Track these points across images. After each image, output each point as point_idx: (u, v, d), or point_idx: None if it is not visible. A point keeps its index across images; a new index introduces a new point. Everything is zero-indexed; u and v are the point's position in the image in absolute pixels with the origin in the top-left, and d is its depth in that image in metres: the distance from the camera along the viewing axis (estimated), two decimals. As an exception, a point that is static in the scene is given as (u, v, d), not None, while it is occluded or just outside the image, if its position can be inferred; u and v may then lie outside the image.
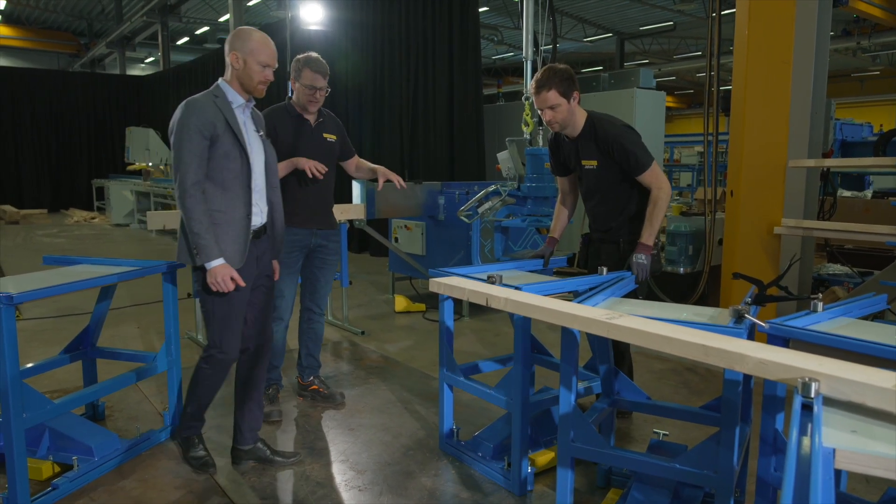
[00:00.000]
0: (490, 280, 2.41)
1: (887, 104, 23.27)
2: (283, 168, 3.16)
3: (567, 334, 2.12)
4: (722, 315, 2.11)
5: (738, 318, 1.94)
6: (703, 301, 4.72)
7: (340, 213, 5.16)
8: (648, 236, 2.94)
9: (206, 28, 22.43)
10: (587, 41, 22.88)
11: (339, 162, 3.52)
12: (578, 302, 2.15)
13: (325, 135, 3.36)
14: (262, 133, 2.70)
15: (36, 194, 17.17)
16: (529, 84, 3.07)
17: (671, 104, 33.47)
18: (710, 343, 1.46)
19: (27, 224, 14.16)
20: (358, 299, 6.31)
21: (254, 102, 2.64)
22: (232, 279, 2.46)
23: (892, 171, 7.99)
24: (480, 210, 3.77)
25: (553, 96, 2.91)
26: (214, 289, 2.47)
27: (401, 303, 5.87)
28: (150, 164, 14.10)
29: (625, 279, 2.66)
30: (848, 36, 17.76)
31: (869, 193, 7.79)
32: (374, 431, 3.19)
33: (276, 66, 2.56)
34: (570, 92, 2.93)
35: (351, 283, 5.27)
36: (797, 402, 1.29)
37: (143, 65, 27.47)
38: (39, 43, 23.34)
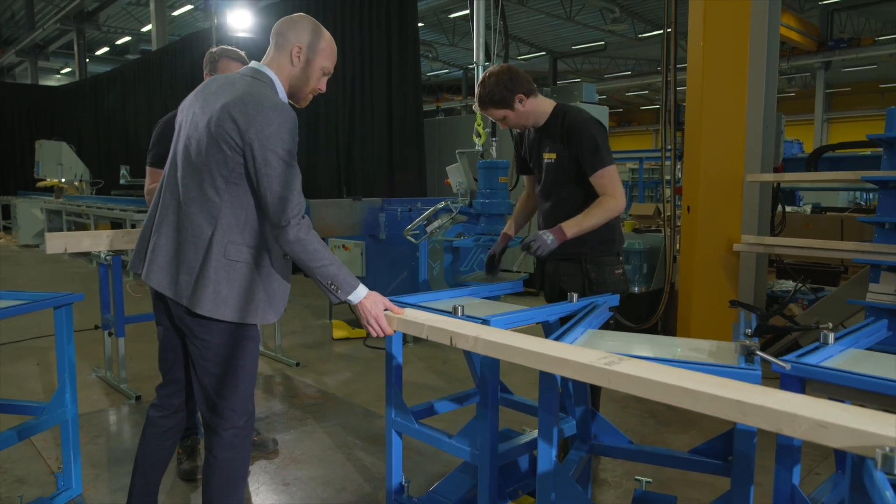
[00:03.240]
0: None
1: (802, 124, 24.49)
2: None
3: (546, 377, 1.79)
4: (722, 350, 1.82)
5: (748, 354, 1.65)
6: (663, 323, 4.52)
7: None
8: (571, 226, 2.54)
9: (127, 38, 21.36)
10: (521, 59, 23.08)
11: None
12: (555, 338, 1.82)
13: None
14: None
15: (-67, 212, 15.73)
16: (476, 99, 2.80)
17: (602, 122, 34.23)
18: (748, 399, 1.15)
19: (-79, 246, 12.88)
20: (292, 325, 5.82)
21: None
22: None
23: (831, 188, 8.15)
24: (429, 229, 3.42)
25: (494, 113, 2.67)
26: (373, 332, 1.92)
27: (339, 329, 5.44)
28: (63, 179, 13.07)
29: (598, 307, 2.36)
30: (768, 58, 18.52)
31: (808, 208, 7.92)
32: (314, 486, 2.76)
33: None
34: (511, 99, 2.61)
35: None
36: (879, 479, 1.00)
37: (59, 75, 25.94)
38: (-58, 50, 21.70)
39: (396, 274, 5.39)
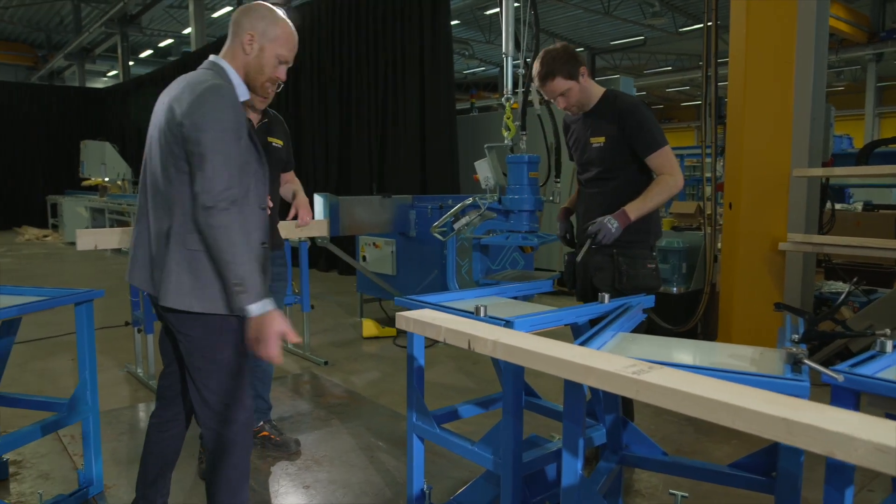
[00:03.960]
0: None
1: (852, 119, 23.57)
2: None
3: (571, 384, 1.67)
4: (766, 357, 1.67)
5: (795, 363, 1.51)
6: (703, 326, 4.33)
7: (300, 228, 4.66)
8: (633, 209, 2.53)
9: (170, 41, 21.78)
10: (558, 56, 22.70)
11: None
12: (582, 342, 1.70)
13: (270, 139, 2.87)
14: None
15: (-13, 210, 16.33)
16: (535, 76, 2.67)
17: (641, 119, 33.60)
18: (797, 416, 1.02)
19: (-27, 243, 13.33)
20: (323, 323, 5.79)
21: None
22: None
23: (883, 184, 7.76)
24: (457, 226, 3.30)
25: (560, 84, 2.61)
26: (260, 350, 1.75)
27: (369, 327, 5.38)
28: (107, 178, 13.39)
29: (632, 308, 2.22)
30: (816, 51, 17.82)
31: (859, 206, 7.55)
32: (333, 490, 2.69)
33: (291, 64, 2.01)
34: (577, 71, 2.61)
35: (313, 307, 4.77)
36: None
37: (106, 78, 26.62)
38: (-6, 54, 22.52)
39: (427, 272, 5.30)
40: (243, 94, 1.94)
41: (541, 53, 2.64)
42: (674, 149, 2.67)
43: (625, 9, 18.70)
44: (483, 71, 25.70)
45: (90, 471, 2.61)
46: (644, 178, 2.66)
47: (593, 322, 2.14)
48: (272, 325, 1.74)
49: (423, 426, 2.29)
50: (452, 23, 18.29)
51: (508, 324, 1.87)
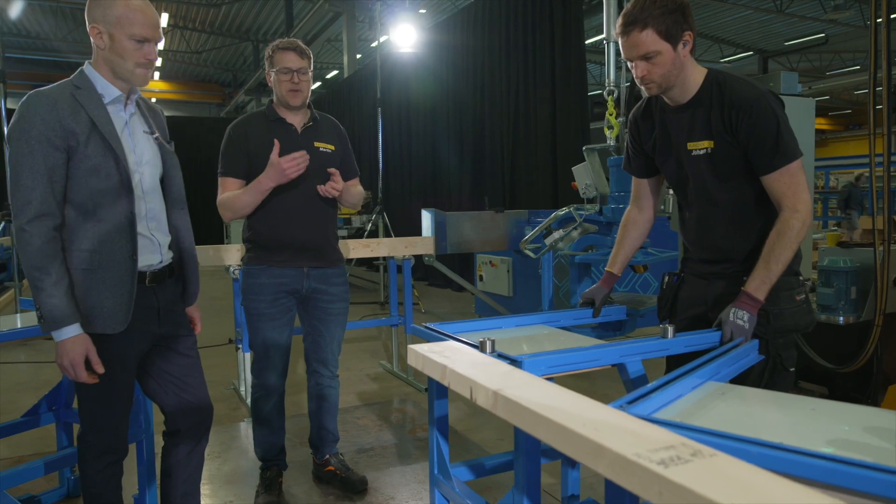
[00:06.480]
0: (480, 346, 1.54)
1: None
2: (251, 194, 2.47)
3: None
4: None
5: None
6: (878, 364, 3.45)
7: (405, 246, 4.45)
8: (759, 284, 1.77)
9: (335, 72, 23.25)
10: (724, 62, 21.02)
11: None
12: (637, 397, 1.22)
13: (317, 143, 2.64)
14: (157, 135, 1.94)
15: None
16: (619, 21, 1.82)
17: (824, 126, 30.21)
18: None
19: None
20: (438, 346, 5.51)
21: (138, 94, 1.90)
22: (88, 365, 1.72)
23: None
24: (548, 241, 2.87)
25: (649, 40, 1.76)
26: (63, 373, 1.74)
27: (481, 352, 5.01)
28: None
29: (742, 346, 1.67)
30: None
31: None
32: (386, 543, 2.36)
33: (161, 38, 1.81)
34: (679, 32, 1.78)
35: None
36: None
37: (282, 110, 29.11)
38: (192, 95, 25.55)
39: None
40: (111, 92, 1.80)
41: None
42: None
43: (801, 4, 16.81)
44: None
45: (143, 496, 2.50)
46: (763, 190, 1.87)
47: (681, 360, 1.62)
48: (70, 350, 1.70)
49: (445, 483, 1.89)
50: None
51: (515, 363, 1.43)
